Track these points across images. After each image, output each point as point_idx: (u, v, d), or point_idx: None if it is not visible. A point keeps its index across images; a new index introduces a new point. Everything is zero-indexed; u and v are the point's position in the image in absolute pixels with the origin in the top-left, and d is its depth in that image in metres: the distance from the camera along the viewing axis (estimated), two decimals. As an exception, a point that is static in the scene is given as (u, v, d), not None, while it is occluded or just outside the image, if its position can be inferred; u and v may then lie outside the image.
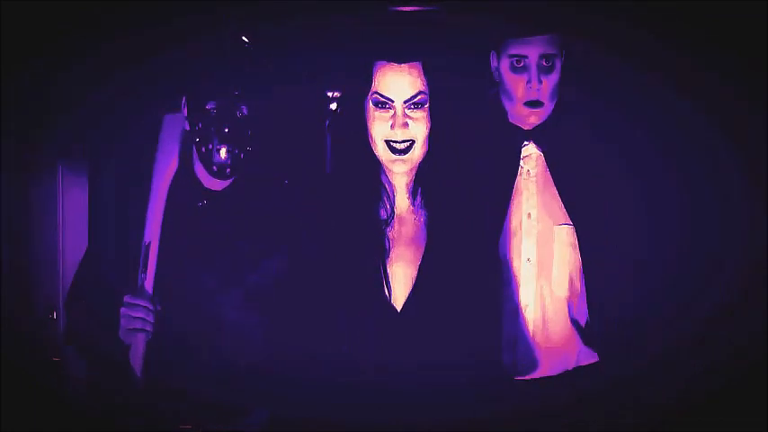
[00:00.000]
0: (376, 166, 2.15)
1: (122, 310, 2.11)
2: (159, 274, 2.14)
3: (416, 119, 2.07)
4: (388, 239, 2.12)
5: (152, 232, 2.16)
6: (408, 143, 2.08)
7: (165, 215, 2.17)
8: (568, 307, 2.44)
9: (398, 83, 2.07)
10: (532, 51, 2.35)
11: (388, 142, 2.08)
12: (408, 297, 2.08)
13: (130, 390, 2.09)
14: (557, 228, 2.43)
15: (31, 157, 2.62)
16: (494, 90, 2.52)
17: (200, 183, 2.25)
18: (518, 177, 2.45)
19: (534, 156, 2.47)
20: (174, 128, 2.27)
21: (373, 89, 2.08)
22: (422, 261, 2.10)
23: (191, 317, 2.17)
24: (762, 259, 2.68)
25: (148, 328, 2.10)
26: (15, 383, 2.49)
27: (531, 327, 2.45)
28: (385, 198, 2.15)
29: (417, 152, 2.10)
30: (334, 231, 2.10)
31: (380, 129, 2.08)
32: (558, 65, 2.38)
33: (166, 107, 2.69)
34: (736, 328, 2.63)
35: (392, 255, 2.11)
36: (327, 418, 2.03)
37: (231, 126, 2.14)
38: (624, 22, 2.72)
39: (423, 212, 2.16)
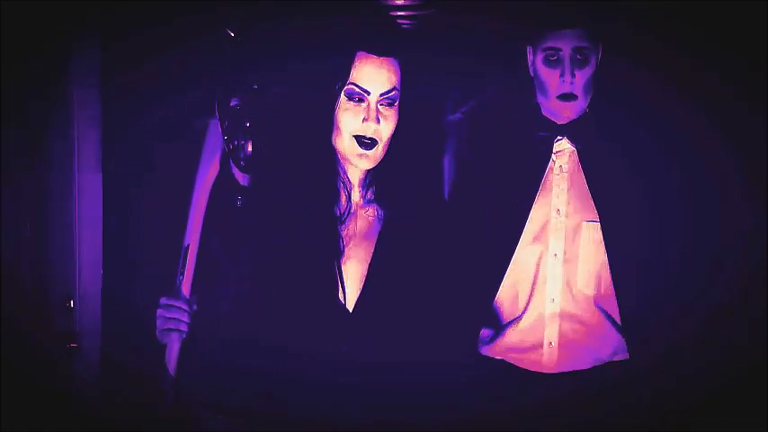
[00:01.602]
0: (335, 161, 2.11)
1: (158, 311, 2.15)
2: (198, 276, 2.17)
3: (386, 117, 2.04)
4: (342, 236, 2.09)
5: (192, 235, 2.18)
6: (372, 141, 2.03)
7: (205, 218, 2.20)
8: (599, 304, 2.44)
9: (376, 75, 2.02)
10: (565, 44, 2.33)
11: (356, 137, 2.03)
12: (360, 293, 2.04)
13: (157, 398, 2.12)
14: (585, 224, 2.42)
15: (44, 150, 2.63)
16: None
17: (237, 182, 2.27)
18: (549, 173, 2.44)
19: (567, 151, 2.45)
20: (216, 133, 2.28)
21: (350, 80, 2.02)
22: (372, 257, 2.07)
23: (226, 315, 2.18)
24: (762, 259, 2.68)
25: (183, 328, 2.14)
26: (20, 379, 2.49)
27: (558, 323, 2.44)
28: (342, 192, 2.11)
29: (379, 151, 2.05)
30: (293, 227, 2.07)
31: (350, 123, 2.02)
32: (593, 59, 2.37)
33: (166, 107, 2.69)
34: (736, 328, 2.64)
35: (346, 251, 2.09)
36: (309, 418, 2.01)
37: (253, 120, 2.17)
38: (624, 22, 2.71)
39: (375, 206, 2.13)
